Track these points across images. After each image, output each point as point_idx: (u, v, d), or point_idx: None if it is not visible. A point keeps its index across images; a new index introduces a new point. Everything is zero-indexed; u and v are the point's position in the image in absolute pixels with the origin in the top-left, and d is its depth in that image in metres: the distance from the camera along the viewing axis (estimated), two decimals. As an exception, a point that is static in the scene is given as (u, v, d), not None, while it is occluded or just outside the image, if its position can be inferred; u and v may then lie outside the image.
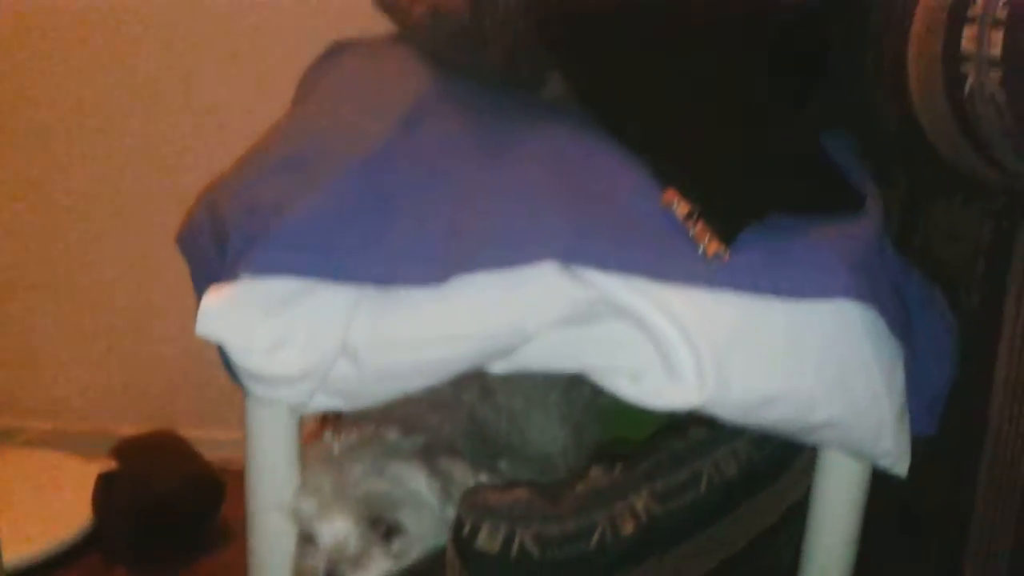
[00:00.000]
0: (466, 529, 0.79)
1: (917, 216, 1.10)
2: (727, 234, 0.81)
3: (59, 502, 1.45)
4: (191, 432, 1.59)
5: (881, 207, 0.92)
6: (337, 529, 0.95)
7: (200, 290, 0.90)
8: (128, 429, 1.58)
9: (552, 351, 0.84)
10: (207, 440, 1.56)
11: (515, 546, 0.78)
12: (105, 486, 1.38)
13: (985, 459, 0.97)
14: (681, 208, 0.82)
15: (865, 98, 0.96)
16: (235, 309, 0.81)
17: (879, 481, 0.97)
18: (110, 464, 1.39)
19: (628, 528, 0.81)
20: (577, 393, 1.47)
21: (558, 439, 1.37)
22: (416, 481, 1.00)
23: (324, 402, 0.88)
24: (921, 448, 0.90)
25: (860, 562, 1.00)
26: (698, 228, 0.81)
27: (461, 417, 1.25)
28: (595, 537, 0.80)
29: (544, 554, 0.78)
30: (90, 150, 1.59)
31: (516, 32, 0.88)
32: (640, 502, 0.82)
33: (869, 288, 0.81)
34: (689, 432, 0.89)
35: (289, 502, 0.93)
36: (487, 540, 0.78)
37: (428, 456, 1.04)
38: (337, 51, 1.23)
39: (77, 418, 1.66)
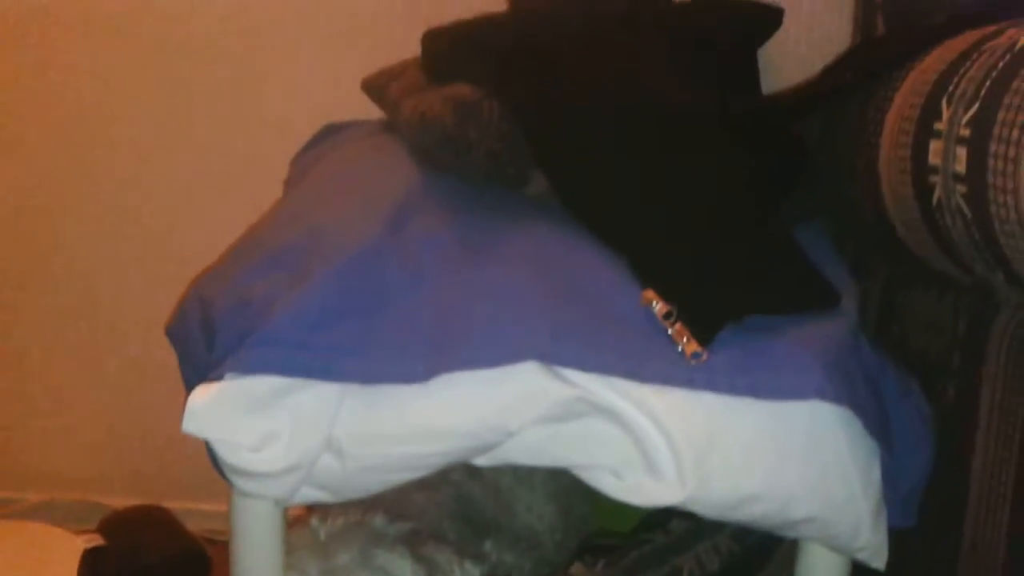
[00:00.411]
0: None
1: (895, 306, 1.12)
2: (705, 335, 0.83)
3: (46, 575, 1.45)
4: (179, 504, 1.59)
5: (857, 302, 0.94)
6: None
7: (188, 381, 0.92)
8: (118, 500, 1.59)
9: (534, 447, 0.85)
10: (195, 511, 1.57)
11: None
12: (92, 561, 1.38)
13: (964, 548, 0.98)
14: (660, 308, 0.84)
15: (843, 192, 0.98)
16: (221, 407, 0.82)
17: (859, 572, 0.98)
18: (97, 539, 1.39)
19: (609, 629, 0.82)
20: (564, 472, 1.47)
21: (545, 517, 1.37)
22: (401, 570, 1.01)
23: (309, 495, 0.89)
24: (901, 541, 0.91)
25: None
26: (676, 328, 0.83)
27: (447, 497, 1.26)
28: (576, 639, 0.81)
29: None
30: (86, 237, 1.61)
31: (500, 137, 0.91)
32: (620, 602, 0.83)
33: (844, 388, 0.82)
34: (671, 526, 0.90)
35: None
36: (467, 645, 0.79)
37: (413, 543, 1.05)
38: (330, 134, 1.26)
39: (68, 490, 1.66)
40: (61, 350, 1.64)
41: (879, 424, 0.86)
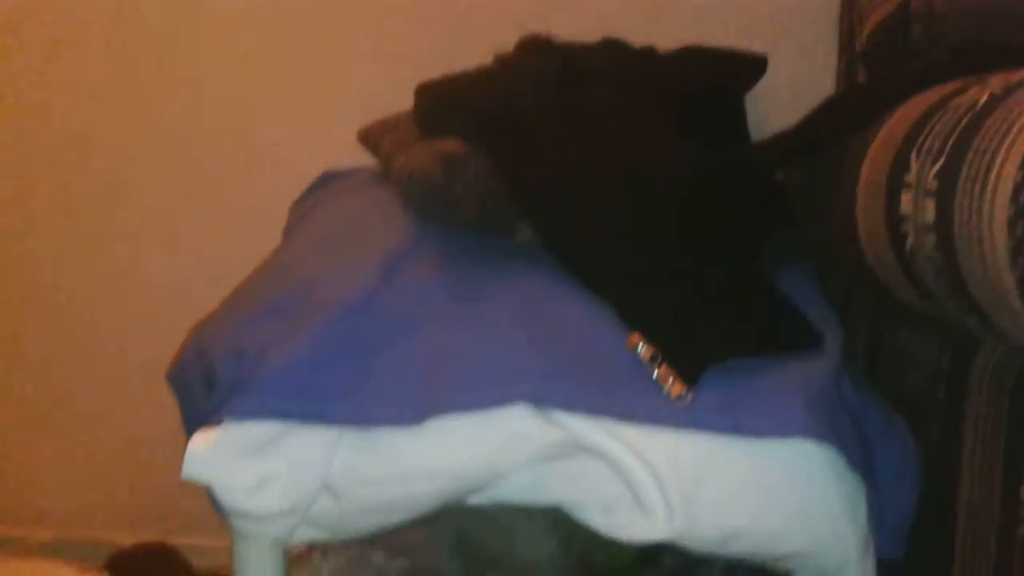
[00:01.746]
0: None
1: (883, 342, 1.14)
2: (690, 376, 0.85)
3: (53, 615, 1.47)
4: (186, 539, 1.61)
5: (840, 342, 0.96)
6: None
7: (188, 426, 0.94)
8: (124, 537, 1.61)
9: (526, 486, 0.87)
10: (202, 548, 1.58)
11: None
12: (98, 600, 1.40)
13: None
14: (645, 352, 0.86)
15: (824, 236, 1.01)
16: (219, 452, 0.84)
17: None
18: (104, 577, 1.41)
19: (600, 665, 0.83)
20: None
21: (545, 549, 1.39)
22: (400, 607, 1.03)
23: (307, 534, 0.91)
24: (889, 569, 0.92)
25: None
26: (662, 371, 0.85)
27: (447, 532, 1.28)
28: (568, 675, 0.82)
29: None
30: (83, 267, 1.64)
31: (486, 191, 0.94)
32: (613, 637, 0.85)
33: (827, 426, 0.84)
34: (662, 560, 0.92)
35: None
36: None
37: (411, 579, 1.07)
38: (327, 181, 1.30)
39: (75, 527, 1.69)
40: (66, 388, 1.66)
41: (862, 459, 0.88)
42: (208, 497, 0.89)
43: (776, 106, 1.27)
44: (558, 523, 1.44)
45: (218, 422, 0.85)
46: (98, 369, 1.66)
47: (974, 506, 0.98)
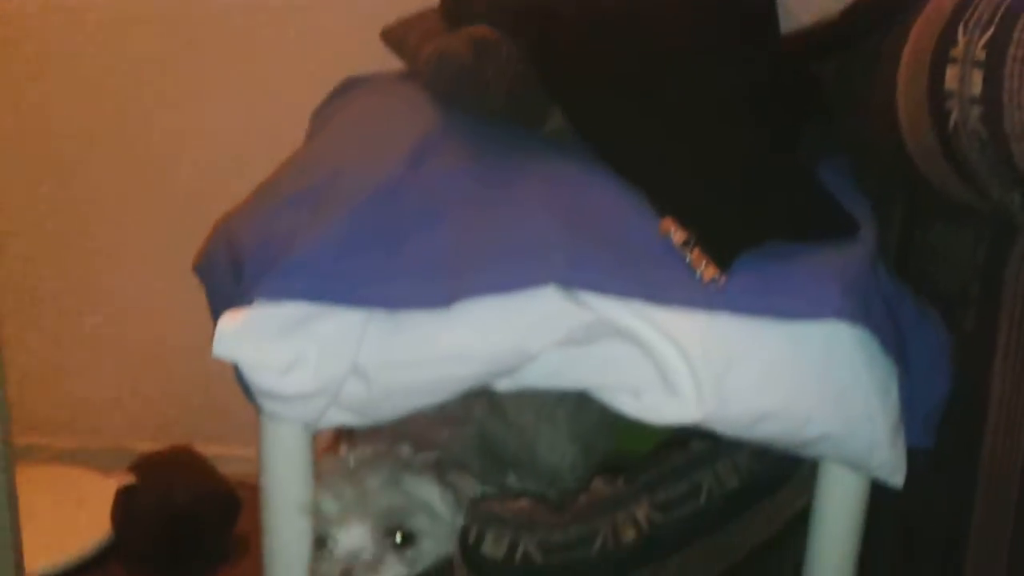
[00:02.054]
0: (472, 536, 0.83)
1: (915, 241, 1.13)
2: (723, 260, 0.84)
3: (80, 515, 1.49)
4: (207, 448, 1.63)
5: (875, 232, 0.95)
6: (354, 536, 0.99)
7: (217, 315, 0.94)
8: (147, 446, 1.62)
9: (554, 370, 0.87)
10: (223, 456, 1.59)
11: (519, 552, 0.81)
12: (125, 500, 1.42)
13: (982, 477, 0.99)
14: (678, 236, 0.85)
15: (860, 131, 0.99)
16: (250, 332, 0.84)
17: (879, 499, 1.00)
18: (129, 479, 1.42)
19: (629, 536, 0.84)
20: (586, 411, 1.49)
21: (567, 455, 1.39)
22: (429, 493, 1.04)
23: (336, 418, 0.91)
24: (919, 464, 0.92)
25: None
26: (695, 255, 0.84)
27: (471, 433, 1.29)
28: (597, 544, 0.83)
29: (547, 560, 0.82)
30: (114, 175, 1.63)
31: (517, 75, 0.92)
32: (641, 511, 0.85)
33: (862, 309, 0.83)
34: (690, 445, 0.92)
35: (309, 505, 0.97)
36: (492, 547, 0.82)
37: (439, 471, 1.08)
38: (349, 87, 1.28)
39: (98, 436, 1.70)
40: (90, 298, 1.67)
41: (896, 345, 0.87)
42: (237, 380, 0.89)
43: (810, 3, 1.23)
44: (581, 431, 1.45)
45: (248, 303, 0.85)
46: (123, 276, 1.66)
47: (1006, 401, 0.98)
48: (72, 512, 1.51)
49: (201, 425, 1.68)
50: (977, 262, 1.00)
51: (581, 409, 1.48)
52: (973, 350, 0.99)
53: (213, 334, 0.86)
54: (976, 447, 0.99)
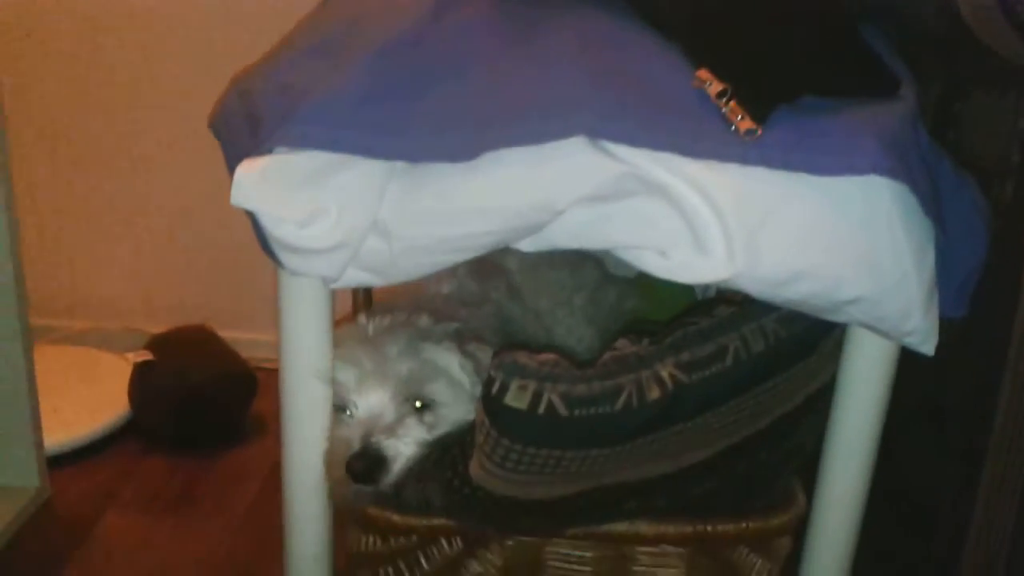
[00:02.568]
0: (496, 386, 0.81)
1: (952, 113, 1.09)
2: (760, 112, 0.80)
3: (97, 393, 1.49)
4: (222, 333, 1.62)
5: (915, 92, 0.91)
6: (374, 401, 0.98)
7: (234, 170, 0.91)
8: (162, 329, 1.61)
9: (580, 228, 0.84)
10: (237, 340, 1.59)
11: (543, 403, 0.80)
12: (142, 375, 1.42)
13: (1012, 353, 0.97)
14: (714, 87, 0.81)
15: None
16: (269, 180, 0.82)
17: (906, 375, 0.98)
18: (146, 355, 1.42)
19: (654, 394, 0.82)
20: (603, 296, 1.48)
21: (583, 339, 1.38)
22: (448, 361, 1.03)
23: (355, 277, 0.89)
24: (950, 339, 0.90)
25: (884, 453, 1.01)
26: (731, 106, 0.81)
27: (488, 314, 1.27)
28: (621, 400, 0.81)
29: (571, 412, 0.80)
30: (124, 55, 1.59)
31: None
32: (666, 371, 0.83)
33: (901, 165, 0.80)
34: (716, 310, 0.90)
35: (327, 370, 0.96)
36: (516, 397, 0.80)
37: (458, 341, 1.06)
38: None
39: (112, 318, 1.70)
40: (104, 181, 1.64)
41: (935, 206, 0.84)
42: (255, 234, 0.87)
43: None
44: (597, 316, 1.44)
45: (267, 152, 0.82)
46: (135, 159, 1.63)
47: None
48: (89, 390, 1.51)
49: (216, 309, 1.68)
50: (1019, 129, 0.97)
51: (597, 296, 1.47)
52: (1011, 220, 0.97)
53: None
54: (1008, 321, 0.97)
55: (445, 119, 0.83)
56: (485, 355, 1.05)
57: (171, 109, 1.59)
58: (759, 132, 0.80)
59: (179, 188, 1.62)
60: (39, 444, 1.28)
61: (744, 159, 0.80)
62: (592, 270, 1.50)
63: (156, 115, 1.60)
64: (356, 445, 0.95)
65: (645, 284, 1.57)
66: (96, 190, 1.64)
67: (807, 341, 0.92)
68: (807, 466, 1.05)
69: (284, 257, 0.86)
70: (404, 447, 0.96)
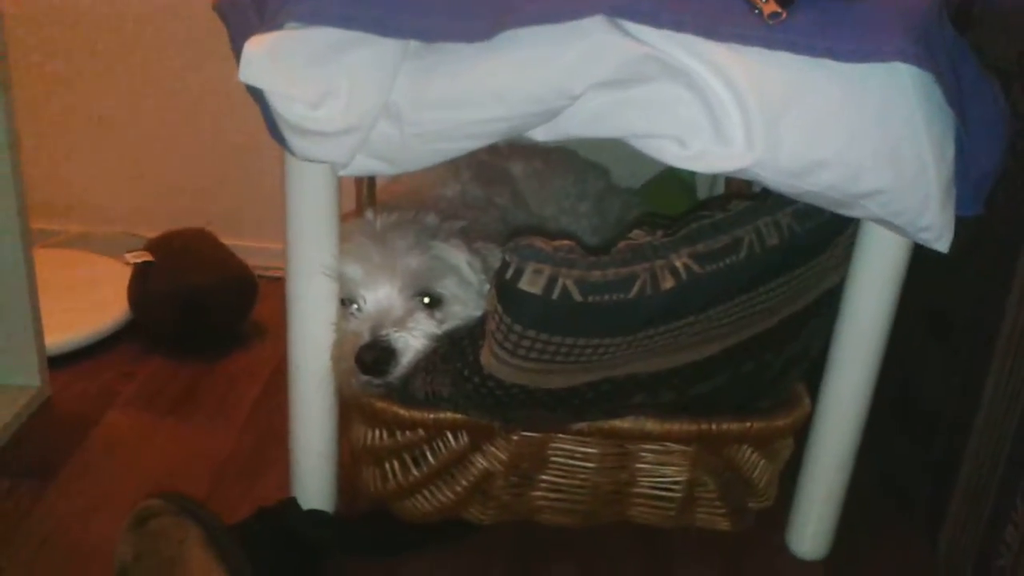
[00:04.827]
0: (510, 270, 0.80)
1: (971, 12, 1.07)
2: (785, -6, 0.79)
3: (97, 295, 1.47)
4: (222, 240, 1.60)
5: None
6: (382, 295, 0.98)
7: (240, 50, 0.89)
8: (156, 234, 1.59)
9: (597, 115, 0.82)
10: (235, 247, 1.57)
11: (557, 288, 0.79)
12: (142, 276, 1.40)
13: (1019, 268, 0.97)
14: (738, -34, 0.79)
15: None
16: (279, 57, 0.79)
17: (913, 285, 0.98)
18: (146, 255, 1.40)
19: (667, 284, 0.82)
20: (608, 206, 1.47)
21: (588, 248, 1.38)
22: (457, 258, 1.02)
23: (365, 164, 0.87)
24: (959, 246, 0.89)
25: (888, 361, 1.01)
26: (755, -12, 0.79)
27: (494, 218, 1.26)
28: (635, 288, 0.81)
29: (585, 298, 0.80)
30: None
31: None
32: (680, 261, 0.83)
33: (927, 54, 0.79)
34: (731, 204, 0.89)
35: (333, 263, 0.95)
36: (530, 281, 0.79)
37: (466, 239, 1.05)
38: None
39: (108, 223, 1.67)
40: (101, 84, 1.61)
41: (957, 98, 0.82)
42: (263, 115, 0.85)
43: None
44: (603, 226, 1.43)
45: (277, 27, 0.80)
46: (132, 64, 1.59)
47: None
48: (89, 292, 1.49)
49: (215, 216, 1.65)
50: (1042, 29, 0.95)
51: (602, 205, 1.46)
52: (1028, 123, 0.96)
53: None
54: (1017, 229, 0.96)
55: (460, -2, 0.80)
56: (492, 254, 1.05)
57: (168, 12, 1.55)
58: (784, 15, 0.79)
59: (175, 95, 1.58)
60: (40, 343, 1.27)
61: (768, 42, 0.78)
62: (597, 179, 1.49)
63: (153, 19, 1.56)
64: (366, 337, 0.95)
65: (649, 194, 1.56)
66: (91, 96, 1.61)
67: (821, 238, 0.91)
68: (812, 371, 1.05)
69: (292, 140, 0.84)
70: (413, 340, 0.96)
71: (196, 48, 1.55)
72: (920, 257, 0.94)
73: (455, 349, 0.92)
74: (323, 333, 0.99)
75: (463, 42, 0.80)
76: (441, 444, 1.00)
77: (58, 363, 1.35)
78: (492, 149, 1.33)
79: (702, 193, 1.56)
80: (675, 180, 1.53)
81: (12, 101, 1.18)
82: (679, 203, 1.49)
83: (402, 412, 0.97)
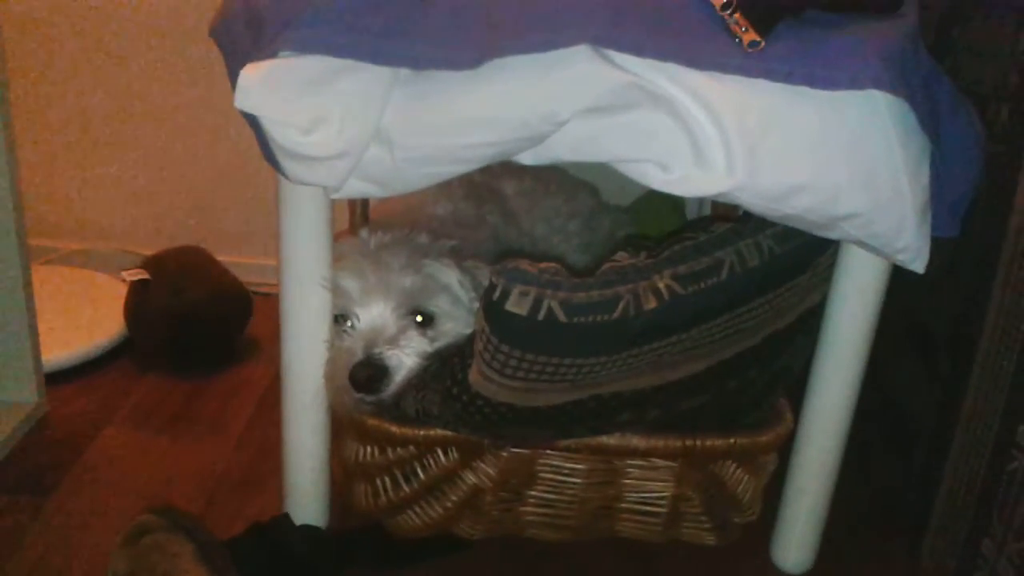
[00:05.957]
0: (497, 292, 0.83)
1: (951, 39, 1.10)
2: (764, 24, 0.81)
3: (93, 312, 1.49)
4: (216, 256, 1.62)
5: (917, 10, 0.91)
6: (376, 313, 1.00)
7: (236, 76, 0.91)
8: (154, 251, 1.61)
9: (582, 140, 0.85)
10: (230, 265, 1.59)
11: (543, 310, 0.81)
12: (138, 293, 1.42)
13: (999, 278, 0.99)
14: (718, -1, 0.82)
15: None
16: (273, 84, 0.82)
17: (894, 301, 1.00)
18: (142, 273, 1.42)
19: (650, 304, 0.84)
20: (597, 224, 1.49)
21: (577, 265, 1.40)
22: (448, 276, 1.04)
23: (357, 187, 0.90)
24: (939, 263, 0.92)
25: (870, 376, 1.03)
26: (735, 18, 0.81)
27: (485, 236, 1.29)
28: (619, 309, 0.83)
29: (570, 319, 0.82)
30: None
31: None
32: (663, 282, 0.85)
33: (901, 81, 0.81)
34: (713, 226, 0.91)
35: (327, 282, 0.97)
36: (517, 303, 0.82)
37: (457, 258, 1.08)
38: None
39: (105, 240, 1.69)
40: (99, 103, 1.63)
41: (932, 123, 0.85)
42: (258, 141, 0.87)
43: None
44: (593, 243, 1.45)
45: (271, 55, 0.82)
46: (129, 78, 1.61)
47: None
48: (85, 309, 1.51)
49: (210, 232, 1.67)
50: (1017, 53, 0.97)
51: (592, 223, 1.48)
52: (1006, 141, 0.98)
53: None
54: (995, 248, 0.99)
55: (450, 27, 0.83)
56: (482, 272, 1.07)
57: (164, 31, 1.58)
58: (762, 44, 0.81)
59: (171, 113, 1.60)
60: (37, 359, 1.29)
61: (747, 71, 0.81)
62: (587, 198, 1.52)
63: (149, 38, 1.59)
64: (359, 355, 0.97)
65: (638, 212, 1.58)
66: (88, 112, 1.63)
67: (801, 258, 0.93)
68: (795, 388, 1.07)
69: (286, 165, 0.87)
70: (406, 358, 0.98)
71: (193, 67, 1.58)
72: (903, 275, 0.96)
73: (444, 368, 0.94)
74: (316, 350, 1.02)
75: (452, 70, 0.82)
76: (431, 460, 1.02)
77: (55, 379, 1.37)
78: (484, 168, 1.35)
79: (691, 211, 1.58)
80: (663, 199, 1.56)
81: (11, 119, 1.20)
82: (667, 221, 1.52)
83: (393, 429, 0.99)
